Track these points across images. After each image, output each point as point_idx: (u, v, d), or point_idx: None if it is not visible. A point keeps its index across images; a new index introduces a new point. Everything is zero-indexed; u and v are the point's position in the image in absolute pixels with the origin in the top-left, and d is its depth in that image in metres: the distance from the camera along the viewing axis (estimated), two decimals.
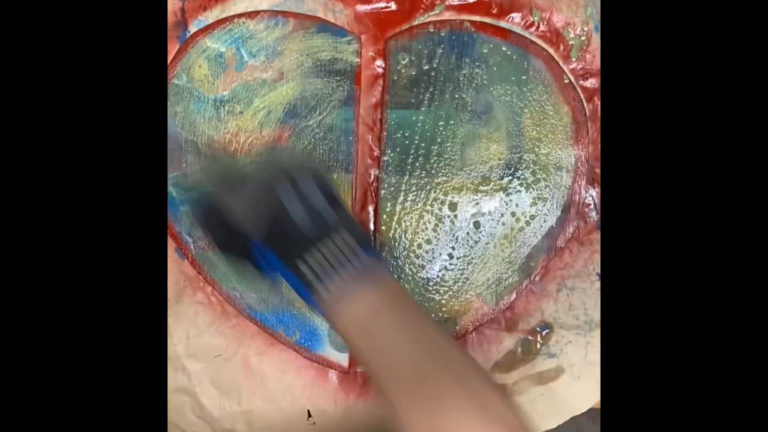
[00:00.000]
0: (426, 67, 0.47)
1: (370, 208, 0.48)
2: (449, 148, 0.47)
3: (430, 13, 0.47)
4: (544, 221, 0.48)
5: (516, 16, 0.47)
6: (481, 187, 0.48)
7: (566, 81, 0.48)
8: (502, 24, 0.47)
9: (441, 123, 0.47)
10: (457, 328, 0.48)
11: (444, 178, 0.47)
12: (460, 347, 0.36)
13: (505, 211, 0.48)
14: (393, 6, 0.47)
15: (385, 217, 0.48)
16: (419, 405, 0.31)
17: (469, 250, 0.48)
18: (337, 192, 0.37)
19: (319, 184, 0.36)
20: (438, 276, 0.48)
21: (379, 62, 0.47)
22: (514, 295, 0.48)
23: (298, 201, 0.35)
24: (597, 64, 0.47)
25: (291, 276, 0.35)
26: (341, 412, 0.48)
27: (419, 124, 0.47)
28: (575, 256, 0.48)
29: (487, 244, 0.48)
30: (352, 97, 0.47)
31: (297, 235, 0.35)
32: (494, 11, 0.47)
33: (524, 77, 0.47)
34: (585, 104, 0.48)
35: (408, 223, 0.48)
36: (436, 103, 0.47)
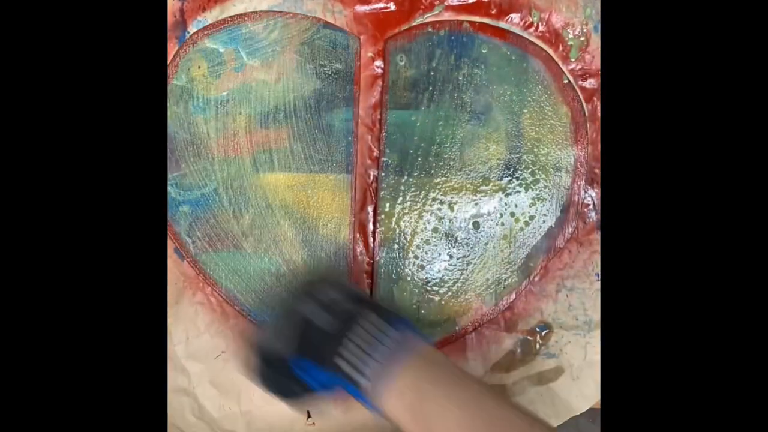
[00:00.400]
0: (425, 68, 0.47)
1: (370, 209, 0.48)
2: (448, 149, 0.47)
3: (429, 14, 0.47)
4: (544, 222, 0.48)
5: (515, 17, 0.47)
6: (480, 188, 0.48)
7: (565, 81, 0.48)
8: (501, 24, 0.47)
9: (440, 123, 0.47)
10: (457, 328, 0.48)
11: (443, 178, 0.47)
12: (512, 406, 0.34)
13: (505, 211, 0.48)
14: (392, 6, 0.47)
15: (384, 217, 0.48)
16: None
17: (469, 251, 0.48)
18: (354, 286, 0.38)
19: (335, 286, 0.38)
20: (437, 276, 0.48)
21: (378, 63, 0.48)
22: (513, 296, 0.48)
23: (319, 309, 0.37)
24: (596, 64, 0.47)
25: (335, 377, 0.36)
26: (341, 412, 0.48)
27: (418, 125, 0.47)
28: (574, 257, 0.48)
29: (486, 244, 0.48)
30: (351, 98, 0.47)
31: (325, 336, 0.36)
32: (493, 12, 0.47)
33: (523, 78, 0.47)
34: (584, 105, 0.48)
35: (407, 224, 0.48)
36: (435, 103, 0.47)
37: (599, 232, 0.48)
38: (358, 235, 0.48)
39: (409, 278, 0.48)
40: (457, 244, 0.48)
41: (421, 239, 0.48)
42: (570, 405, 0.47)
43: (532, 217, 0.48)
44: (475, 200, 0.48)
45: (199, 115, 0.47)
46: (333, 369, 0.35)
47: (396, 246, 0.48)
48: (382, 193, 0.48)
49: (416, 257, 0.48)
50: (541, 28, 0.47)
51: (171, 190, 0.48)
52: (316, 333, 0.36)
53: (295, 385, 0.38)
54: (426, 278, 0.48)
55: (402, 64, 0.47)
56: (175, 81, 0.47)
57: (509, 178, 0.48)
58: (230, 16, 0.47)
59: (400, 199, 0.48)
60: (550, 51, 0.47)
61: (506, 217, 0.48)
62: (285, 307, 0.38)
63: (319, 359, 0.36)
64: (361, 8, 0.47)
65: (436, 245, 0.48)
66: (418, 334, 0.37)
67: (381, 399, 0.34)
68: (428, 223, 0.48)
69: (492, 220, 0.48)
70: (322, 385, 0.37)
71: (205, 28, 0.47)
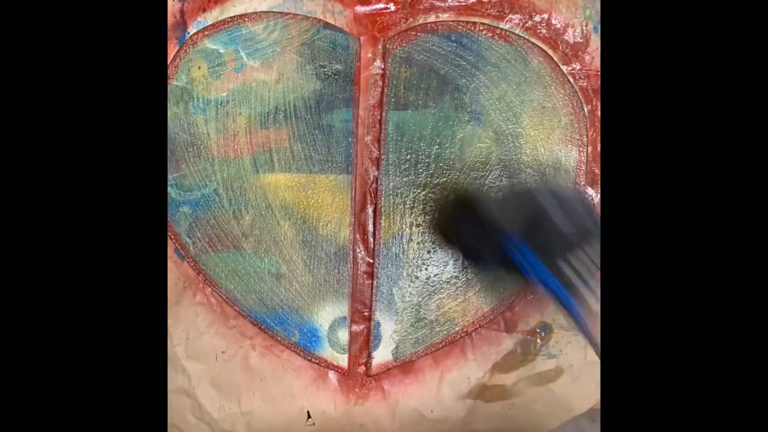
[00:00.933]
0: (425, 69, 0.47)
1: (370, 209, 0.48)
2: (448, 149, 0.47)
3: (429, 15, 0.47)
4: None
5: (515, 18, 0.47)
6: (480, 188, 0.48)
7: (565, 82, 0.48)
8: (502, 25, 0.47)
9: (440, 124, 0.47)
10: (457, 328, 0.48)
11: (443, 178, 0.47)
12: None
13: None
14: (392, 7, 0.47)
15: (384, 218, 0.48)
16: None
17: None
18: (594, 211, 0.39)
19: (579, 198, 0.40)
20: (437, 277, 0.48)
21: (378, 63, 0.48)
22: (513, 296, 0.48)
23: (559, 208, 0.38)
24: (596, 65, 0.47)
25: (548, 275, 0.37)
26: (341, 413, 0.48)
27: (418, 125, 0.47)
28: None
29: None
30: (351, 99, 0.47)
31: (559, 236, 0.37)
32: (493, 13, 0.47)
33: (523, 78, 0.47)
34: (584, 105, 0.48)
35: (407, 224, 0.48)
36: (435, 104, 0.47)
37: (599, 233, 0.48)
38: (358, 235, 0.48)
39: (409, 279, 0.48)
40: None
41: (421, 240, 0.48)
42: (570, 405, 0.47)
43: None
44: None
45: (199, 115, 0.47)
46: (552, 269, 0.37)
47: (396, 247, 0.48)
48: (382, 193, 0.48)
49: (416, 258, 0.48)
50: (541, 29, 0.47)
51: (171, 191, 0.48)
52: (549, 227, 0.37)
53: (495, 257, 0.39)
54: (426, 279, 0.48)
55: (402, 64, 0.47)
56: (175, 82, 0.47)
57: (509, 178, 0.48)
58: (230, 17, 0.47)
59: (401, 199, 0.48)
60: (550, 52, 0.47)
61: None
62: (522, 188, 0.41)
63: (542, 253, 0.37)
64: (361, 9, 0.47)
65: (436, 246, 0.48)
66: None
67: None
68: (428, 223, 0.48)
69: None
70: (533, 273, 0.38)
71: (205, 28, 0.47)
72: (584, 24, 0.47)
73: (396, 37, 0.47)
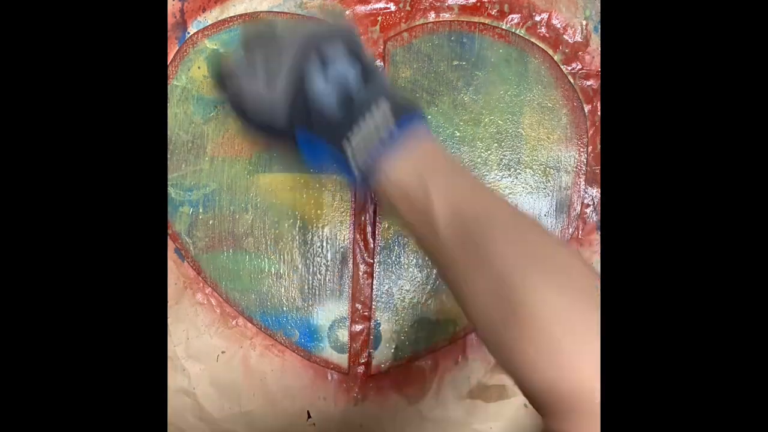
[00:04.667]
0: (425, 69, 0.47)
1: (370, 209, 0.48)
2: (448, 149, 0.47)
3: (429, 14, 0.47)
4: (544, 222, 0.48)
5: (515, 18, 0.47)
6: None
7: (565, 82, 0.48)
8: (502, 25, 0.47)
9: (440, 124, 0.47)
10: (457, 328, 0.48)
11: None
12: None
13: None
14: (392, 7, 0.47)
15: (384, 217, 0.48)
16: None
17: None
18: (368, 57, 0.36)
19: (350, 51, 0.35)
20: (438, 277, 0.48)
21: (378, 63, 0.47)
22: None
23: (326, 83, 0.34)
24: (596, 65, 0.47)
25: (335, 156, 0.35)
26: (341, 412, 0.48)
27: None
28: None
29: None
30: None
31: (332, 118, 0.34)
32: (493, 13, 0.47)
33: (523, 78, 0.47)
34: (584, 105, 0.48)
35: None
36: (435, 104, 0.47)
37: (599, 232, 0.48)
38: (358, 235, 0.48)
39: (409, 279, 0.48)
40: None
41: None
42: None
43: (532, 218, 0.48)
44: None
45: (199, 115, 0.47)
46: (338, 150, 0.34)
47: (396, 246, 0.48)
48: None
49: (416, 258, 0.48)
50: (541, 29, 0.47)
51: (171, 191, 0.48)
52: (317, 108, 0.34)
53: (289, 142, 0.37)
54: (426, 279, 0.48)
55: (402, 64, 0.47)
56: (175, 81, 0.47)
57: (509, 178, 0.48)
58: (230, 17, 0.47)
59: None
60: (550, 51, 0.47)
61: None
62: (292, 57, 0.35)
63: (328, 138, 0.35)
64: (361, 8, 0.47)
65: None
66: (424, 126, 0.35)
67: (379, 185, 0.34)
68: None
69: None
70: (314, 158, 0.36)
71: (205, 28, 0.47)
72: (584, 24, 0.47)
73: (396, 37, 0.47)
